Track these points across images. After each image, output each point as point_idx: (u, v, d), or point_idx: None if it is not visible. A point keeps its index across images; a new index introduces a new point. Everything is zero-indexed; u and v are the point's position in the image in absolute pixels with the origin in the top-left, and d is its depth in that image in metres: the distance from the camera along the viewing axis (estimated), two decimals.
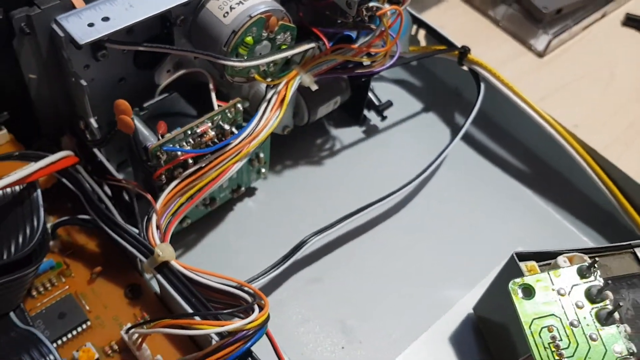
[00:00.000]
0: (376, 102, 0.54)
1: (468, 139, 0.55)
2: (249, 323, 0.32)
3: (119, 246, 0.38)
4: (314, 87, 0.44)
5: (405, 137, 0.55)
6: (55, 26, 0.34)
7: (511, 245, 0.47)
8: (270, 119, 0.41)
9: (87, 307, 0.38)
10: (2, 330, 0.33)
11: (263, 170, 0.47)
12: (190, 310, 0.35)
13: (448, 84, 0.59)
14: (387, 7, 0.40)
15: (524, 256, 0.37)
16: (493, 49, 0.66)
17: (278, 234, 0.47)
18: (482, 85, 0.52)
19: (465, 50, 0.52)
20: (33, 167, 0.35)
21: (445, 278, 0.46)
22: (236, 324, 0.32)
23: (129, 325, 0.36)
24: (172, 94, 0.42)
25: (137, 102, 0.41)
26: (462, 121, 0.56)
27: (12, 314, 0.34)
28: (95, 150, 0.39)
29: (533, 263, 0.37)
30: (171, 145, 0.37)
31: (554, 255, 0.37)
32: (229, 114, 0.39)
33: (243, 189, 0.47)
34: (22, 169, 0.36)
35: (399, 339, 0.43)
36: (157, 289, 0.39)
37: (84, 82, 0.35)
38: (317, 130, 0.54)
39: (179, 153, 0.37)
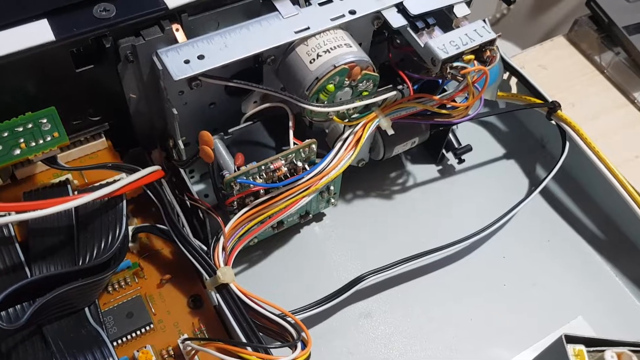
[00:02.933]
0: (456, 145, 0.54)
1: (545, 193, 0.54)
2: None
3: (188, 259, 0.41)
4: (391, 132, 0.45)
5: (481, 183, 0.55)
6: (155, 58, 0.37)
7: (570, 312, 0.47)
8: (343, 158, 0.43)
9: (153, 310, 0.41)
10: (76, 324, 0.37)
11: (333, 200, 0.49)
12: (241, 335, 0.37)
13: (534, 133, 0.58)
14: (471, 67, 0.40)
15: (573, 339, 0.37)
16: (593, 96, 0.64)
17: (338, 262, 0.49)
18: (568, 144, 0.51)
19: (555, 106, 0.51)
20: (125, 180, 0.39)
21: (495, 335, 0.46)
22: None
23: (185, 335, 0.39)
24: (255, 123, 0.44)
25: (224, 125, 0.44)
26: (541, 173, 0.56)
27: (87, 310, 0.38)
28: (180, 169, 0.43)
29: (581, 348, 0.37)
30: (245, 178, 0.39)
31: (604, 343, 0.37)
32: (302, 153, 0.41)
33: (311, 215, 0.49)
34: (115, 181, 0.40)
35: None
36: (216, 303, 0.42)
37: (175, 111, 0.38)
38: (392, 164, 0.55)
39: (251, 185, 0.40)
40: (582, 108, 0.63)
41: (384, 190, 0.54)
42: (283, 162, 0.40)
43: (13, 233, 0.38)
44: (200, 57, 0.37)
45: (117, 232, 0.39)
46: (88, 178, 0.42)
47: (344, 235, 0.51)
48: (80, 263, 0.38)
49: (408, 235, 0.50)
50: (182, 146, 0.41)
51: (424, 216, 0.52)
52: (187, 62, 0.37)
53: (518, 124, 0.59)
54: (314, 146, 0.41)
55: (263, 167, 0.40)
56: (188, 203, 0.43)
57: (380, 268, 0.45)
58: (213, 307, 0.42)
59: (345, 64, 0.39)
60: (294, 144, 0.41)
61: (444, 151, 0.55)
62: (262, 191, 0.41)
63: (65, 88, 0.39)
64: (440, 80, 0.47)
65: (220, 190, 0.39)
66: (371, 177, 0.54)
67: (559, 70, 0.67)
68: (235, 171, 0.39)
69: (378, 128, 0.46)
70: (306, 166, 0.42)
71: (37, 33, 0.35)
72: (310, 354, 0.36)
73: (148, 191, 0.42)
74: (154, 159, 0.45)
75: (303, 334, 0.37)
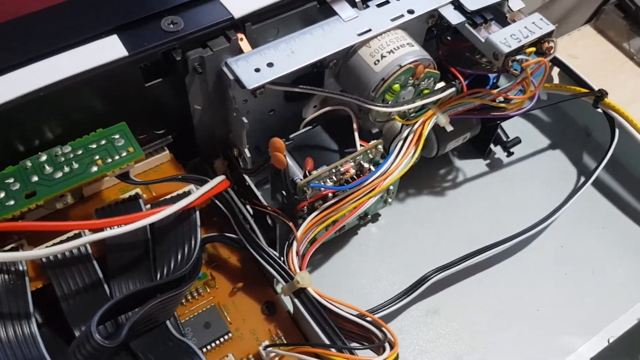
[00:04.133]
0: (503, 138, 0.54)
1: (596, 183, 0.54)
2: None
3: (259, 266, 0.41)
4: (449, 128, 0.45)
5: (530, 174, 0.55)
6: (225, 68, 0.38)
7: (631, 297, 0.47)
8: (406, 157, 0.43)
9: (229, 319, 0.42)
10: (161, 338, 0.37)
11: (390, 200, 0.49)
12: (324, 339, 0.37)
13: (578, 122, 0.58)
14: (532, 59, 0.41)
15: None
16: (625, 83, 0.64)
17: (397, 261, 0.49)
18: (617, 131, 0.52)
19: (602, 94, 0.51)
20: (199, 192, 0.39)
21: (563, 324, 0.46)
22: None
23: (266, 342, 0.39)
24: (315, 127, 0.45)
25: (281, 131, 0.44)
26: (589, 162, 0.56)
27: (168, 323, 0.38)
28: (246, 177, 0.43)
29: None
30: (317, 182, 0.40)
31: None
32: (370, 154, 0.41)
33: (369, 216, 0.49)
34: (187, 193, 0.40)
35: None
36: (290, 308, 0.42)
37: (245, 120, 0.39)
38: (441, 161, 0.55)
39: (322, 189, 0.40)
40: (615, 95, 0.63)
41: (435, 187, 0.54)
42: (352, 164, 0.41)
43: (90, 251, 0.38)
44: (270, 64, 0.37)
45: (193, 243, 0.39)
46: (155, 191, 0.42)
47: (400, 233, 0.51)
48: (158, 276, 0.38)
49: (464, 231, 0.50)
50: (248, 154, 0.42)
51: (478, 211, 0.52)
52: (257, 70, 0.37)
53: (561, 113, 0.59)
54: (380, 147, 0.41)
55: (334, 170, 0.40)
56: (250, 210, 0.43)
57: (447, 265, 0.46)
58: (287, 313, 0.42)
59: (410, 63, 0.39)
60: (360, 145, 0.41)
61: (492, 145, 0.55)
62: (330, 195, 0.41)
63: (133, 103, 0.39)
64: (492, 75, 0.47)
65: (292, 196, 0.39)
66: (422, 174, 0.54)
67: (589, 59, 0.67)
68: (306, 175, 0.39)
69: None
70: (371, 167, 0.42)
71: (110, 49, 0.35)
72: (398, 355, 0.36)
73: (217, 201, 0.42)
74: (216, 169, 0.45)
75: (388, 334, 0.37)
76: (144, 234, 0.39)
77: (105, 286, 0.38)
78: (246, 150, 0.42)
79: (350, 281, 0.48)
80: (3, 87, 0.33)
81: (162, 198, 0.41)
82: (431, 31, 0.45)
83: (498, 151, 0.56)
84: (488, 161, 0.56)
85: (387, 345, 0.36)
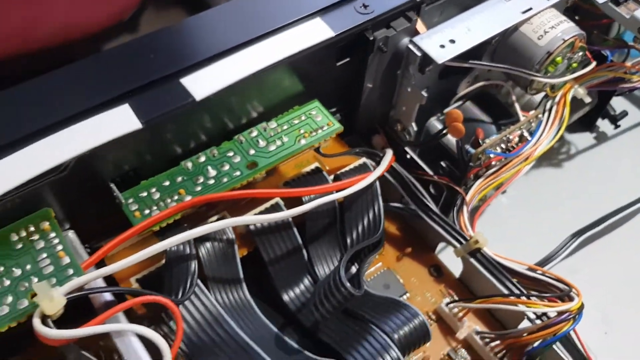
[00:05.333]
0: (611, 111, 0.58)
1: None
2: (574, 306, 0.38)
3: (425, 232, 0.45)
4: (587, 100, 0.49)
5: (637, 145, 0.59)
6: (411, 46, 0.41)
7: None
8: (553, 126, 0.47)
9: (402, 281, 0.45)
10: (364, 296, 0.40)
11: None
12: (504, 291, 0.41)
13: None
14: None
15: None
16: None
17: (534, 228, 0.53)
18: None
19: None
20: (384, 164, 0.42)
21: None
22: (565, 305, 0.38)
23: (447, 299, 0.43)
24: (465, 102, 0.48)
25: (430, 107, 0.48)
26: None
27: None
28: (408, 150, 0.46)
29: None
30: (490, 149, 0.43)
31: None
32: (532, 123, 0.45)
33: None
34: (365, 166, 0.43)
35: None
36: (455, 270, 0.45)
37: (424, 94, 0.42)
38: None
39: (491, 156, 0.44)
40: None
41: (552, 160, 0.58)
42: (518, 132, 0.44)
43: (290, 219, 0.41)
44: (452, 41, 0.41)
45: (377, 210, 0.42)
46: (328, 165, 0.45)
47: (528, 202, 0.55)
48: (348, 241, 0.41)
49: (581, 201, 0.54)
50: (415, 128, 0.45)
51: (594, 179, 0.56)
52: (442, 46, 0.40)
53: None
54: (540, 116, 0.45)
55: (504, 139, 0.43)
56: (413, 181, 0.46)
57: (587, 226, 0.49)
58: (453, 275, 0.45)
59: (571, 37, 0.43)
60: (523, 116, 0.45)
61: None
62: (494, 162, 0.45)
63: (322, 82, 0.42)
64: (610, 52, 0.51)
65: (467, 163, 0.43)
66: None
67: None
68: (480, 144, 0.43)
69: None
70: (528, 136, 0.46)
71: (318, 30, 0.38)
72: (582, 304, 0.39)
73: (386, 174, 0.45)
74: (375, 144, 0.48)
75: (569, 287, 0.40)
76: (333, 203, 0.42)
77: (304, 251, 0.41)
78: (413, 124, 0.45)
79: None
80: (235, 67, 0.36)
81: (343, 170, 0.44)
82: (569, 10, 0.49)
83: (602, 124, 0.60)
84: (594, 134, 0.60)
85: (572, 294, 0.40)
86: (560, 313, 0.38)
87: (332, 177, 0.43)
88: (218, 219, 0.40)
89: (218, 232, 0.39)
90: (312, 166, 0.44)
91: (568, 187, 0.56)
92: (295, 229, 0.41)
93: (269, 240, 0.40)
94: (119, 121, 0.33)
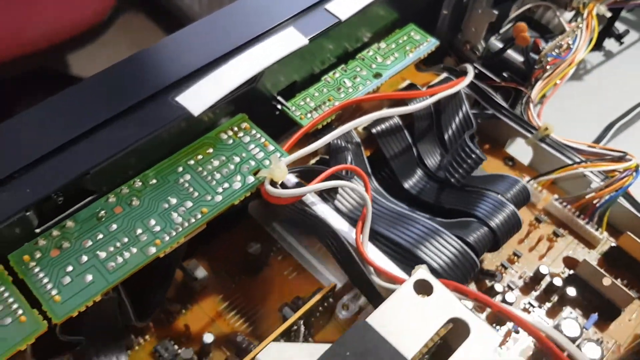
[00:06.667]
0: (615, 32, 0.70)
1: None
2: (632, 165, 0.49)
3: (501, 129, 0.55)
4: (608, 14, 0.60)
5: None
6: None
7: None
8: (587, 36, 0.58)
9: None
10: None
11: None
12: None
13: None
14: None
15: None
16: None
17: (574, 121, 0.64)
18: None
19: None
20: (470, 75, 0.51)
21: None
22: (623, 164, 0.49)
23: (526, 178, 0.53)
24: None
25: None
26: None
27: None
28: (477, 65, 0.56)
29: None
30: (550, 52, 0.53)
31: None
32: (575, 32, 0.56)
33: None
34: (449, 79, 0.53)
35: None
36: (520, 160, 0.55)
37: (495, 12, 0.52)
38: None
39: (549, 59, 0.54)
40: None
41: (576, 75, 0.69)
42: (567, 39, 0.55)
43: (400, 122, 0.50)
44: None
45: (465, 111, 0.52)
46: (415, 80, 0.55)
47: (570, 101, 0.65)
48: (447, 138, 0.51)
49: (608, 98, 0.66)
50: (484, 44, 0.55)
51: (609, 85, 0.68)
52: None
53: None
54: (581, 26, 0.56)
55: (558, 44, 0.54)
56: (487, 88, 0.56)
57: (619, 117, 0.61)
58: (522, 163, 0.56)
59: None
60: (567, 28, 0.55)
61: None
62: (548, 67, 0.55)
63: (412, 9, 0.51)
64: None
65: (533, 66, 0.53)
66: None
67: None
68: (540, 50, 0.53)
69: None
70: (571, 45, 0.56)
71: None
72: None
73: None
74: (445, 63, 0.57)
75: (621, 153, 0.51)
76: (429, 108, 0.51)
77: (414, 148, 0.50)
78: (482, 42, 0.55)
79: None
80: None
81: (432, 82, 0.53)
82: None
83: (609, 43, 0.71)
84: (602, 52, 0.71)
85: (627, 157, 0.50)
86: (620, 172, 0.49)
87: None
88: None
89: (348, 136, 0.48)
90: (406, 83, 0.54)
91: (594, 91, 0.67)
92: (405, 131, 0.50)
93: (387, 141, 0.49)
94: (290, 40, 0.41)
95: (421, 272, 0.32)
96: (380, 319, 0.31)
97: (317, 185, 0.37)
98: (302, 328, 0.40)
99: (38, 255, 0.34)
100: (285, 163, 0.38)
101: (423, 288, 0.32)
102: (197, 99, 0.37)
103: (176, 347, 0.42)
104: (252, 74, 0.39)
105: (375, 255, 0.38)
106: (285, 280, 0.47)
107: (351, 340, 0.30)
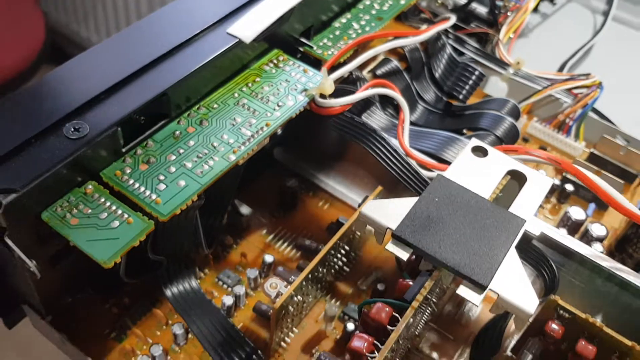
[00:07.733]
0: None
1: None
2: (595, 81, 0.57)
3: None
4: None
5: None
6: None
7: None
8: None
9: None
10: None
11: None
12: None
13: None
14: None
15: None
16: None
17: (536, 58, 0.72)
18: None
19: None
20: (452, 19, 0.58)
21: None
22: (586, 81, 0.57)
23: None
24: None
25: None
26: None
27: None
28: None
29: None
30: None
31: None
32: None
33: None
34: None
35: None
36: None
37: None
38: None
39: (512, 3, 0.62)
40: None
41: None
42: None
43: (399, 65, 0.56)
44: None
45: (449, 52, 0.59)
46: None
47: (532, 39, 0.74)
48: (437, 76, 0.58)
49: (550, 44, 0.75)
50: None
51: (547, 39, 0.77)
52: None
53: None
54: None
55: None
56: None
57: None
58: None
59: None
60: None
61: None
62: (509, 13, 0.63)
63: None
64: None
65: (500, 11, 0.61)
66: None
67: None
68: None
69: None
70: None
71: None
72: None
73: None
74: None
75: (584, 75, 0.60)
76: (420, 53, 0.58)
77: (412, 87, 0.56)
78: None
79: None
80: None
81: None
82: None
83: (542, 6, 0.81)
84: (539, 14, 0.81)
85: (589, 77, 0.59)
86: (587, 87, 0.57)
87: None
88: None
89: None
90: None
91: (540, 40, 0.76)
92: (404, 73, 0.56)
93: (390, 81, 0.55)
94: None
95: (475, 141, 0.38)
96: (453, 174, 0.36)
97: (363, 93, 0.42)
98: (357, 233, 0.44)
99: (128, 170, 0.36)
100: (336, 77, 0.43)
101: (479, 152, 0.37)
102: (246, 29, 0.42)
103: (236, 275, 0.45)
104: (289, 8, 0.44)
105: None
106: (320, 211, 0.51)
107: (434, 190, 0.34)
